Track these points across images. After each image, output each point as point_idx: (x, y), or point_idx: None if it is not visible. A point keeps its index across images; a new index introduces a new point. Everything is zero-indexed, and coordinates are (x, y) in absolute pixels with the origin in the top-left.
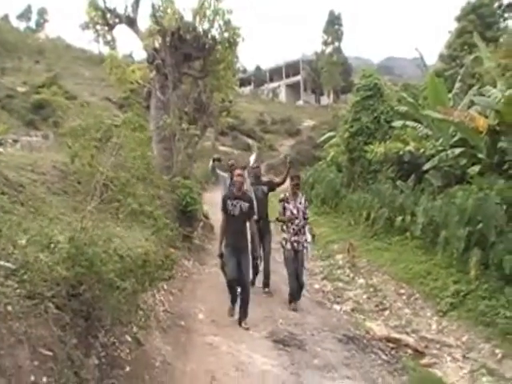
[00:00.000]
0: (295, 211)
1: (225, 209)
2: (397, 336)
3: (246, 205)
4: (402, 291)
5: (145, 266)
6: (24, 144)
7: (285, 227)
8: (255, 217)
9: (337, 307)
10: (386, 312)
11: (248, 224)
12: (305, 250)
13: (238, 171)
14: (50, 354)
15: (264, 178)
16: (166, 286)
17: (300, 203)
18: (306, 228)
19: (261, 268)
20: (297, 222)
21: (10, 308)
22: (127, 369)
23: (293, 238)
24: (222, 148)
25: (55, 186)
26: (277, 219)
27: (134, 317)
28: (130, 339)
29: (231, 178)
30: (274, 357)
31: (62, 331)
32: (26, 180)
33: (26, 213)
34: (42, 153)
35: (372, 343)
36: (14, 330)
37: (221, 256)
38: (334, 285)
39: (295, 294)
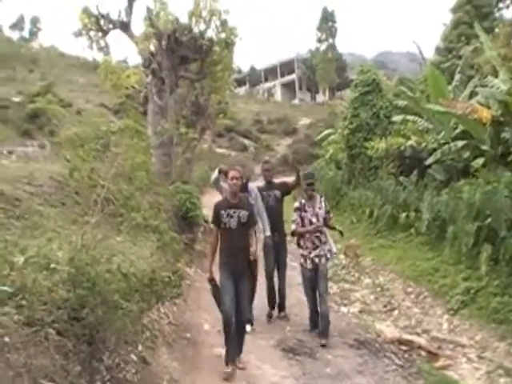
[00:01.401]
0: (315, 219)
1: (217, 221)
2: (409, 338)
3: (245, 213)
4: (410, 290)
5: (151, 285)
6: (20, 154)
7: (301, 242)
8: (267, 232)
9: (344, 309)
10: (395, 312)
11: (249, 236)
12: (328, 263)
13: (232, 173)
14: None
15: (275, 181)
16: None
17: (320, 208)
18: (328, 236)
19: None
20: (317, 232)
21: (7, 339)
22: None
23: (313, 253)
24: (218, 150)
25: (52, 197)
26: (292, 234)
27: (140, 336)
28: (135, 359)
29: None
30: (284, 367)
31: (65, 359)
32: (23, 193)
33: (22, 228)
34: (39, 163)
35: (384, 347)
36: (12, 362)
37: (212, 281)
38: (339, 286)
39: (317, 323)
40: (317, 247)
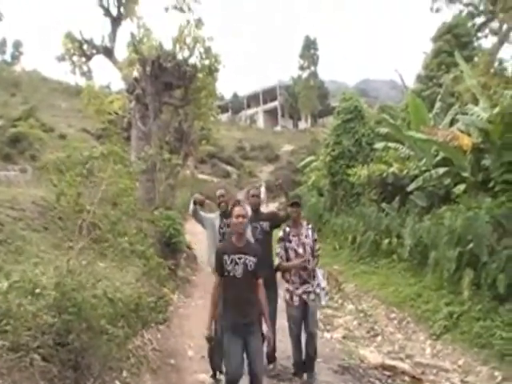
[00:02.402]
0: (301, 250)
1: (221, 269)
2: (392, 363)
3: (253, 260)
4: (393, 315)
5: (137, 310)
6: (1, 178)
7: (287, 275)
8: None
9: (328, 335)
10: (378, 338)
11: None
12: (317, 301)
13: (238, 210)
14: None
15: (263, 210)
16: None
17: (306, 236)
18: (318, 270)
19: None
20: (307, 263)
21: None
22: None
23: (301, 289)
24: (201, 176)
25: (35, 222)
26: (277, 269)
27: (125, 362)
28: None
29: (223, 217)
30: None
31: None
32: (5, 217)
33: (6, 253)
34: (21, 187)
35: (368, 372)
36: None
37: (210, 340)
38: (323, 312)
39: (301, 366)
40: (305, 282)
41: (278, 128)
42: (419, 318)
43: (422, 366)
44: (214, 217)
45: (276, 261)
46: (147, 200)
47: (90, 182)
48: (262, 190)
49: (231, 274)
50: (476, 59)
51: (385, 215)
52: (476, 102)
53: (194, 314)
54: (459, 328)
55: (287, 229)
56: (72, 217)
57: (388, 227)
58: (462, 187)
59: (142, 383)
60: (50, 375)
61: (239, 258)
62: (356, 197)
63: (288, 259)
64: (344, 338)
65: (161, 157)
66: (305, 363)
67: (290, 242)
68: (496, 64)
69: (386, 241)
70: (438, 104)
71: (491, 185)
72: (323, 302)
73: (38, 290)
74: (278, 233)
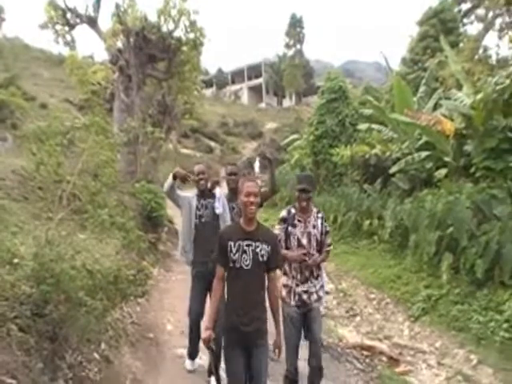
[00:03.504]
0: (305, 241)
1: (224, 258)
2: (370, 343)
3: (265, 249)
4: (373, 296)
5: (117, 283)
6: None
7: (286, 267)
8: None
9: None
10: (357, 318)
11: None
12: (321, 306)
13: (248, 186)
14: (14, 382)
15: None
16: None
17: (314, 226)
18: (323, 268)
19: None
20: (308, 258)
21: None
22: None
23: (301, 288)
24: (184, 151)
25: (15, 192)
26: None
27: (104, 335)
28: (98, 357)
29: (201, 197)
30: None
31: (27, 355)
32: None
33: None
34: (1, 156)
35: (346, 351)
36: None
37: (209, 345)
38: None
39: (294, 378)
40: (306, 280)
41: (263, 105)
42: (398, 299)
43: (400, 347)
44: (190, 196)
45: None
46: (128, 173)
47: (70, 153)
48: (257, 164)
49: (237, 265)
50: (461, 45)
51: (366, 196)
52: (460, 87)
53: (174, 289)
54: (437, 311)
55: (292, 210)
56: (52, 187)
57: (369, 208)
58: (443, 172)
59: (120, 356)
60: (26, 346)
61: (248, 246)
62: (338, 177)
63: (288, 248)
64: (323, 316)
65: (143, 129)
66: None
67: (294, 226)
68: (481, 51)
69: (367, 222)
70: (422, 88)
71: (472, 170)
72: (322, 309)
73: (16, 260)
74: (281, 212)
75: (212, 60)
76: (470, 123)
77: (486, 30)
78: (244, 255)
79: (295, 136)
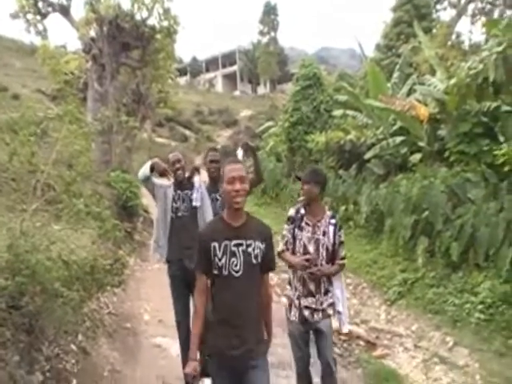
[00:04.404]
0: (311, 248)
1: (207, 264)
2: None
3: (260, 247)
4: (349, 281)
5: (93, 273)
6: None
7: (291, 276)
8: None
9: (284, 300)
10: None
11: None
12: (337, 322)
13: (231, 169)
14: None
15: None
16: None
17: (324, 233)
18: (336, 282)
19: None
20: (315, 266)
21: None
22: (74, 382)
23: (304, 302)
24: (159, 140)
25: None
26: (278, 255)
27: (80, 326)
28: (75, 349)
29: (178, 188)
30: None
31: (3, 348)
32: None
33: None
34: None
35: None
36: None
37: (193, 379)
38: (279, 277)
39: None
40: (310, 294)
41: (237, 93)
42: (374, 284)
43: (377, 331)
44: (166, 185)
45: (280, 245)
46: (103, 162)
47: (44, 143)
48: (239, 151)
49: (224, 273)
50: (434, 31)
51: (342, 182)
52: (433, 72)
53: (151, 278)
54: (413, 294)
55: (302, 210)
56: (26, 177)
57: (345, 194)
58: (418, 156)
59: (97, 347)
60: (2, 339)
61: (237, 246)
62: (314, 163)
63: (294, 252)
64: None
65: (117, 119)
66: None
67: (301, 229)
68: (454, 36)
69: (343, 207)
70: (396, 74)
71: (447, 155)
72: (345, 329)
73: None
74: (289, 210)
75: (186, 48)
76: (443, 108)
77: (459, 15)
78: (233, 259)
79: (270, 123)
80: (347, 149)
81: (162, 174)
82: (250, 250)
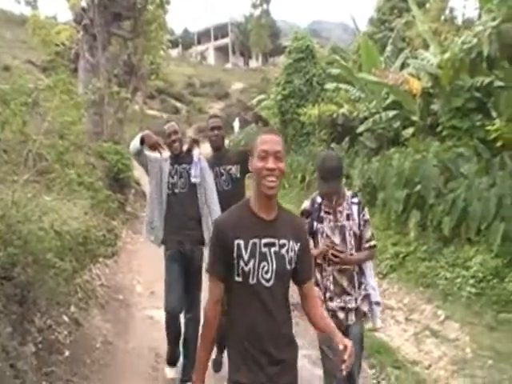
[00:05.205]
0: (337, 238)
1: (226, 269)
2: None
3: (295, 248)
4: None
5: (86, 244)
6: None
7: (317, 274)
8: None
9: None
10: None
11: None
12: (365, 321)
13: (268, 139)
14: None
15: (228, 148)
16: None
17: (348, 216)
18: (368, 270)
19: None
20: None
21: None
22: (66, 353)
23: (336, 303)
24: (150, 112)
25: None
26: None
27: (73, 297)
28: (67, 320)
29: (175, 162)
30: None
31: None
32: None
33: None
34: None
35: None
36: None
37: None
38: None
39: None
40: (344, 292)
41: (229, 65)
42: None
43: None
44: (162, 159)
45: None
46: (95, 133)
47: (35, 113)
48: (236, 124)
49: (251, 281)
50: (428, 5)
51: None
52: (427, 47)
53: (143, 250)
54: (405, 268)
55: (318, 199)
56: (17, 147)
57: None
58: (410, 130)
59: (90, 319)
60: None
61: (268, 246)
62: (306, 136)
63: (315, 247)
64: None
65: (109, 90)
66: None
67: (321, 220)
68: (447, 11)
69: None
70: (389, 47)
71: (439, 129)
72: (378, 323)
73: None
74: (304, 203)
75: (178, 20)
76: (436, 82)
77: None
78: (263, 263)
79: (262, 96)
80: (340, 122)
81: (153, 148)
82: (283, 251)
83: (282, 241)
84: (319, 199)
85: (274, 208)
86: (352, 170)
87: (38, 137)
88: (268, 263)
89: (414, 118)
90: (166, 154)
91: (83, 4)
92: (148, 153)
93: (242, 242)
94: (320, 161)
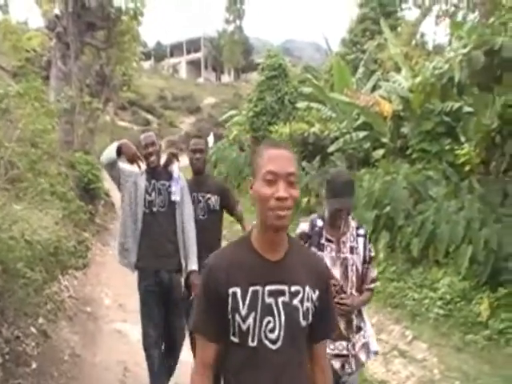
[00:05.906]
0: (338, 272)
1: (219, 325)
2: None
3: (313, 295)
4: None
5: (57, 254)
6: None
7: None
8: (193, 264)
9: None
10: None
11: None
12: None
13: (277, 153)
14: None
15: (209, 175)
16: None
17: (352, 249)
18: (365, 312)
19: None
20: (343, 299)
21: None
22: (34, 365)
23: (333, 349)
24: (121, 123)
25: None
26: None
27: (41, 309)
28: (35, 332)
29: (152, 177)
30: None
31: None
32: None
33: None
34: None
35: None
36: None
37: None
38: None
39: None
40: (341, 337)
41: (201, 80)
42: None
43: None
44: (137, 173)
45: None
46: (65, 142)
47: (6, 121)
48: (211, 138)
49: (252, 343)
50: (399, 29)
51: (305, 174)
52: (398, 70)
53: (111, 263)
54: (374, 288)
55: (319, 222)
56: None
57: (307, 186)
58: (380, 152)
59: (58, 330)
60: None
61: (275, 295)
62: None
63: None
64: None
65: (81, 99)
66: None
67: (322, 249)
68: (418, 36)
69: (305, 199)
70: (361, 69)
71: (409, 152)
72: (374, 349)
73: None
74: (299, 224)
75: (151, 32)
76: (407, 106)
77: (424, 15)
78: (268, 318)
79: (234, 112)
80: (311, 141)
81: (132, 160)
82: (296, 302)
83: (295, 287)
84: (320, 222)
85: (282, 244)
86: (322, 188)
87: (10, 144)
88: (274, 318)
89: (385, 140)
90: (142, 167)
91: (56, 11)
92: (123, 165)
93: (238, 291)
94: (331, 176)
